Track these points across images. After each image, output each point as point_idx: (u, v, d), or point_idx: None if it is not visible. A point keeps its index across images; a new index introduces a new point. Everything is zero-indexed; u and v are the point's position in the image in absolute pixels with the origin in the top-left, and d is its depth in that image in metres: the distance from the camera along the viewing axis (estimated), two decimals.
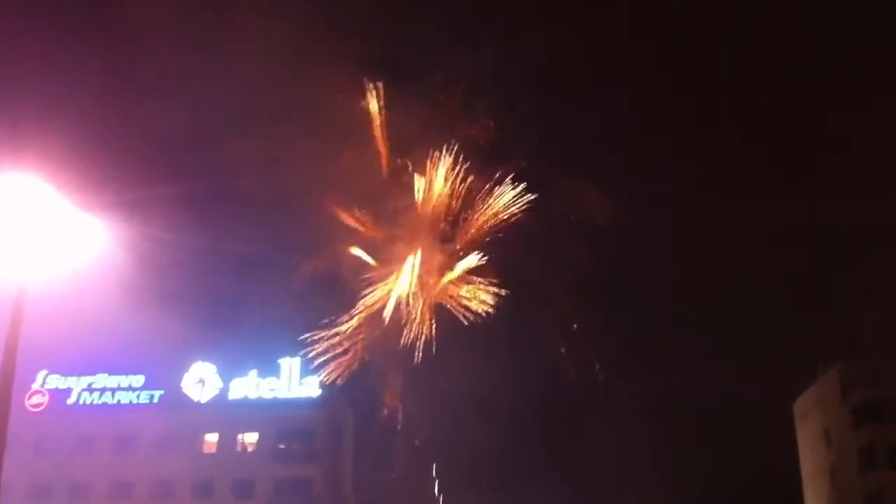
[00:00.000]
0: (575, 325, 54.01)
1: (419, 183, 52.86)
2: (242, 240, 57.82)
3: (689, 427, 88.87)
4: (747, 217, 79.80)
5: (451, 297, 54.22)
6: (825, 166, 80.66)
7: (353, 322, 52.68)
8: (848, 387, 76.20)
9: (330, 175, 52.46)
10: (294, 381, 76.45)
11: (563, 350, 55.01)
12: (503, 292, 52.64)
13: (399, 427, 54.18)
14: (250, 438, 77.94)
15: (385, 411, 53.20)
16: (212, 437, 77.64)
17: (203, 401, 76.78)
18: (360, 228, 54.78)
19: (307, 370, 76.16)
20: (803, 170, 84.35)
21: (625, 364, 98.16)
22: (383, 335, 54.24)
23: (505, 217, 53.33)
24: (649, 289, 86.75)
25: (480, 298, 53.07)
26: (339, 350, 53.13)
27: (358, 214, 54.84)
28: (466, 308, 53.37)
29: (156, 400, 76.85)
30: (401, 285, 53.22)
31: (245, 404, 76.15)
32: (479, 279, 53.71)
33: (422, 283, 54.60)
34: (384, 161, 53.05)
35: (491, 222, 53.87)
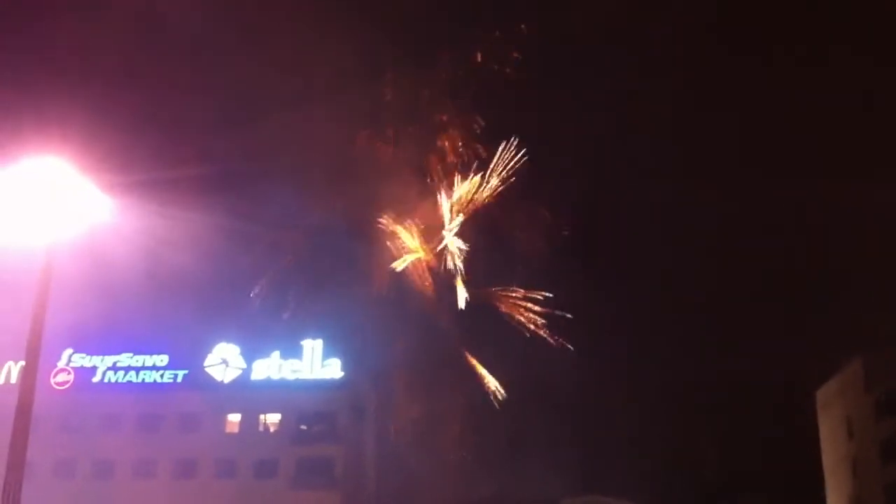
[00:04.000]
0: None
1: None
2: (267, 221, 58.20)
3: (709, 414, 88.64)
4: (777, 204, 79.63)
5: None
6: (859, 150, 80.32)
7: None
8: (871, 378, 75.76)
9: (346, 155, 53.07)
10: (316, 362, 76.81)
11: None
12: None
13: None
14: (273, 419, 78.37)
15: None
16: (234, 418, 78.16)
17: (226, 381, 77.25)
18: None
19: (329, 352, 76.71)
20: (833, 154, 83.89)
21: (647, 352, 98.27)
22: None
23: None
24: (675, 276, 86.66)
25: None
26: None
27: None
28: None
29: (179, 380, 77.39)
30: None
31: (268, 385, 76.56)
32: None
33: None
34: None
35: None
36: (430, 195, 56.17)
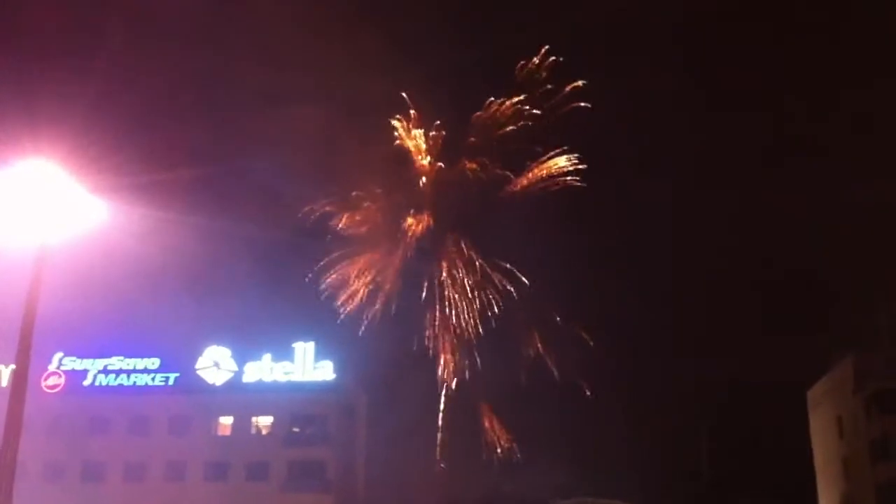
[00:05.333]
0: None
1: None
2: (257, 224, 58.21)
3: (701, 414, 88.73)
4: (768, 206, 79.90)
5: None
6: (847, 154, 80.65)
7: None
8: (861, 377, 75.80)
9: (341, 157, 53.00)
10: (308, 364, 76.66)
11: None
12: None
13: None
14: (265, 422, 78.25)
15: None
16: (226, 420, 78.00)
17: (218, 384, 77.08)
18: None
19: (321, 354, 76.59)
20: (823, 157, 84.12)
21: (639, 352, 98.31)
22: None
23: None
24: (668, 275, 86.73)
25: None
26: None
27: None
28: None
29: (171, 382, 77.22)
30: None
31: (259, 388, 76.42)
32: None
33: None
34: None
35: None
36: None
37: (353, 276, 57.16)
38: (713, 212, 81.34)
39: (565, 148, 54.21)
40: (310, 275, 56.65)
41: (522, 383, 60.15)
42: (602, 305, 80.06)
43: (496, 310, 55.56)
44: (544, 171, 55.03)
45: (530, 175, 55.56)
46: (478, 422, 60.44)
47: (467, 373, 56.63)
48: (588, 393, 56.56)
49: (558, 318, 55.75)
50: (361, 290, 56.89)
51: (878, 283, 73.37)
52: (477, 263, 55.46)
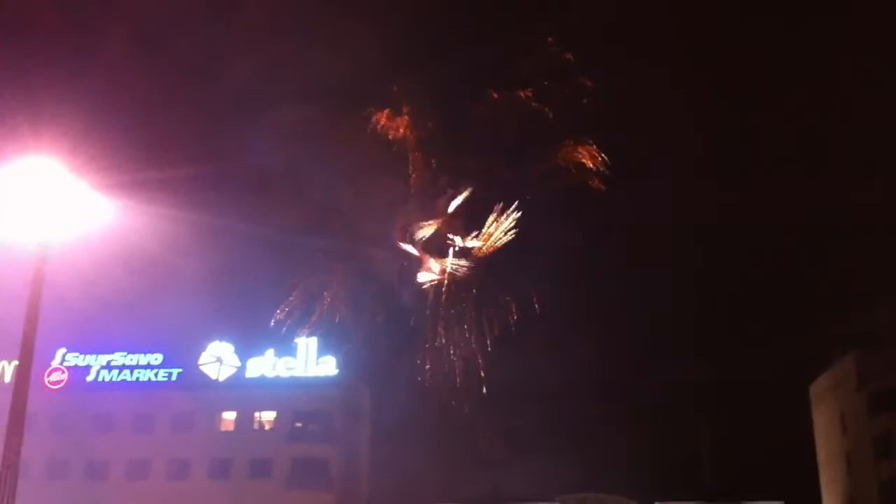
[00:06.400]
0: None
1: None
2: (260, 220, 58.21)
3: (704, 412, 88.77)
4: (770, 202, 79.85)
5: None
6: (849, 153, 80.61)
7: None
8: (864, 374, 75.84)
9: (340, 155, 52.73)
10: (311, 360, 76.71)
11: None
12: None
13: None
14: (268, 417, 78.31)
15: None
16: (229, 416, 78.08)
17: (221, 379, 77.19)
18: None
19: (324, 350, 76.61)
20: (824, 156, 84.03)
21: (642, 350, 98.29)
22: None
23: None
24: (670, 274, 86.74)
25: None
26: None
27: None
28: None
29: (174, 378, 77.34)
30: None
31: (262, 383, 76.50)
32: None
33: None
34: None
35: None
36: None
37: (334, 283, 56.33)
38: (712, 211, 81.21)
39: (588, 141, 52.88)
40: (294, 279, 55.96)
41: (523, 385, 60.12)
42: (602, 305, 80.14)
43: (495, 329, 54.70)
44: (556, 169, 54.00)
45: (536, 173, 54.69)
46: (476, 435, 60.11)
47: (466, 393, 55.94)
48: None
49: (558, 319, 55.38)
50: (341, 300, 56.01)
51: (878, 283, 73.34)
52: (476, 274, 54.69)
